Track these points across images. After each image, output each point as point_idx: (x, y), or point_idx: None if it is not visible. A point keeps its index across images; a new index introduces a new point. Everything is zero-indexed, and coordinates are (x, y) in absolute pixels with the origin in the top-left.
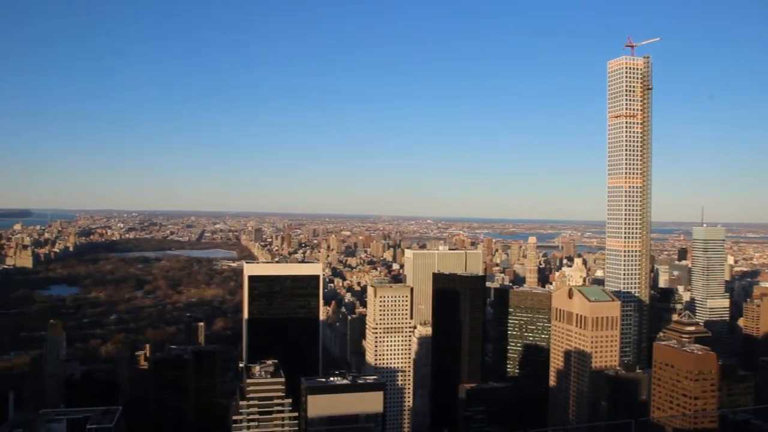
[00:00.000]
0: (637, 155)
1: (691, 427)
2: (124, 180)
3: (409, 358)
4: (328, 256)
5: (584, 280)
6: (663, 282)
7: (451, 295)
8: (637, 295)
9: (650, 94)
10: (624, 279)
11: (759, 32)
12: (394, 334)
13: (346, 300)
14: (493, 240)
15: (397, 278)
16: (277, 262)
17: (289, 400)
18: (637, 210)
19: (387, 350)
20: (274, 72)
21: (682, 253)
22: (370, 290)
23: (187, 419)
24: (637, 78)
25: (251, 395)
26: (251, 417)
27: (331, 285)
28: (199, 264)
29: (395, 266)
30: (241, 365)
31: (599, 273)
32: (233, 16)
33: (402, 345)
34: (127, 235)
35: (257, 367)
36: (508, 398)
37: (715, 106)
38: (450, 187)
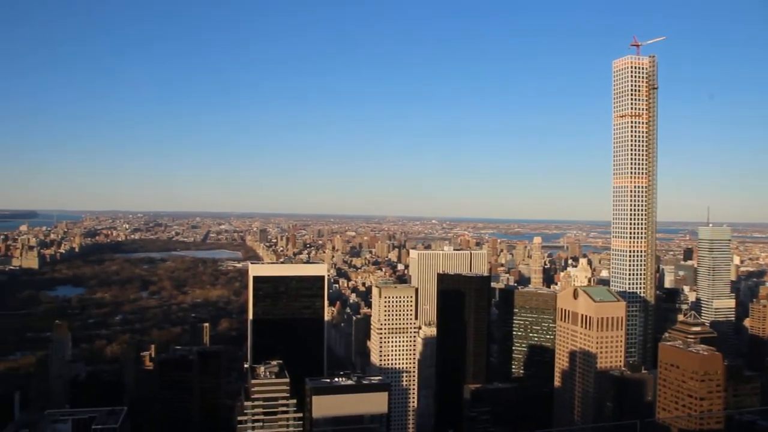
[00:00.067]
0: (643, 155)
1: (696, 428)
2: (129, 181)
3: (414, 358)
4: (333, 256)
5: (589, 281)
6: (668, 282)
7: (456, 296)
8: (642, 295)
9: (656, 94)
10: (629, 279)
11: (760, 32)
12: (399, 335)
13: (351, 300)
14: (498, 240)
15: (402, 279)
16: (282, 262)
17: (294, 401)
18: (642, 210)
19: (392, 351)
20: (275, 72)
21: (688, 253)
22: (375, 291)
23: (192, 420)
24: (643, 77)
25: (256, 396)
26: (256, 417)
27: (336, 285)
28: (204, 265)
29: (400, 267)
30: (246, 366)
31: (604, 273)
32: (234, 16)
33: (407, 345)
34: (132, 236)
35: (262, 368)
36: (513, 399)
37: (719, 106)
38: (455, 188)
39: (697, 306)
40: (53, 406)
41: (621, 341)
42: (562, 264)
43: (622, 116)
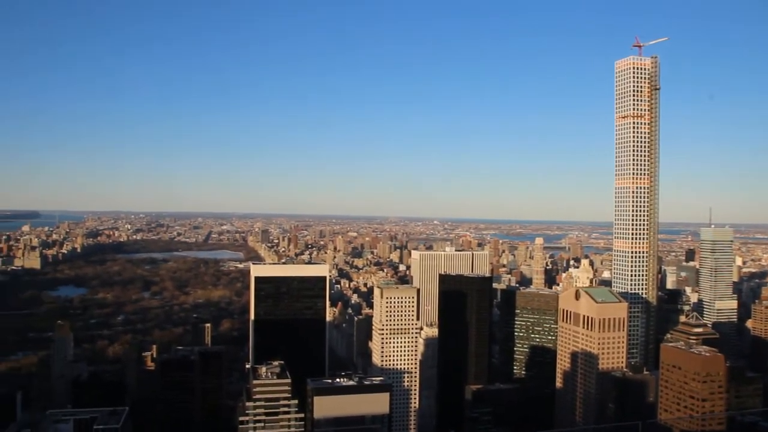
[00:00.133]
0: (645, 156)
1: (698, 429)
2: (131, 181)
3: (416, 359)
4: (334, 257)
5: (591, 282)
6: (670, 283)
7: (458, 297)
8: (644, 296)
9: (658, 95)
10: (631, 280)
11: (761, 32)
12: (401, 336)
13: (353, 301)
14: (500, 241)
15: (404, 279)
16: (283, 263)
17: (296, 401)
18: (644, 211)
19: (393, 351)
20: (276, 72)
21: (690, 254)
22: (376, 291)
23: (193, 420)
24: (645, 78)
25: (257, 396)
26: (257, 418)
27: (338, 286)
28: (206, 265)
29: (402, 267)
30: (247, 366)
31: (606, 274)
32: (235, 16)
33: (408, 346)
34: (134, 237)
35: (264, 368)
36: (515, 400)
37: (721, 107)
38: (456, 188)
39: (699, 307)
40: (55, 406)
41: (623, 342)
42: (564, 265)
43: (624, 117)
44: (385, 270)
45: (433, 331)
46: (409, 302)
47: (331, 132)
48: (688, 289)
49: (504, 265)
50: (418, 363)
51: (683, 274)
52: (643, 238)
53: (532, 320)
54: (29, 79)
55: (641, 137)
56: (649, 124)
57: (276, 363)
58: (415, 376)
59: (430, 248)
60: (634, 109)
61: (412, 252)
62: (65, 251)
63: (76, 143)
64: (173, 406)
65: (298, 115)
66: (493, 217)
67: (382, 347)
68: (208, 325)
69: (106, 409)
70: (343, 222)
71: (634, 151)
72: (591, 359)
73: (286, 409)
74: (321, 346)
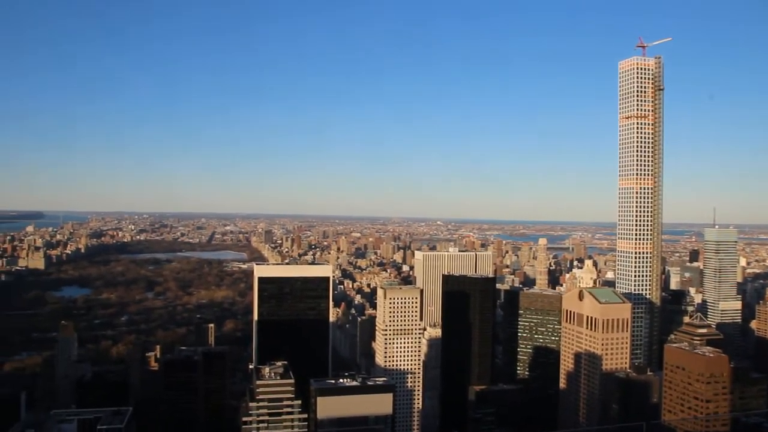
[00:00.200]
0: (649, 156)
1: (702, 430)
2: (134, 182)
3: (419, 359)
4: (338, 257)
5: (595, 282)
6: (674, 284)
7: (461, 297)
8: (648, 297)
9: (661, 95)
10: (635, 281)
11: (763, 31)
12: (404, 336)
13: (356, 302)
14: (503, 241)
15: (407, 280)
16: (287, 263)
17: (299, 402)
18: (648, 211)
19: (397, 352)
20: (280, 73)
21: (694, 255)
22: (379, 292)
23: (197, 420)
24: (649, 78)
25: (261, 397)
26: (261, 418)
27: (341, 287)
28: (210, 265)
29: (405, 268)
30: (251, 366)
31: (610, 275)
32: (236, 16)
33: (412, 347)
34: (138, 237)
35: (267, 369)
36: (518, 400)
37: (724, 107)
38: (459, 189)
39: (703, 308)
40: (59, 406)
41: (626, 343)
42: (568, 265)
43: (627, 117)
44: (389, 270)
45: (437, 332)
46: (412, 303)
47: (334, 132)
48: (692, 290)
49: (507, 266)
50: (421, 363)
51: (687, 274)
52: (647, 239)
53: (535, 321)
54: (32, 80)
55: (645, 138)
56: (652, 124)
57: (279, 363)
58: (419, 377)
59: (433, 249)
60: (637, 109)
61: (416, 252)
62: (69, 252)
63: (80, 144)
64: (177, 407)
65: (301, 115)
66: (497, 218)
67: (386, 348)
68: (212, 325)
69: (109, 410)
70: (347, 222)
71: (637, 151)
72: (594, 360)
73: (289, 409)
74: (324, 346)
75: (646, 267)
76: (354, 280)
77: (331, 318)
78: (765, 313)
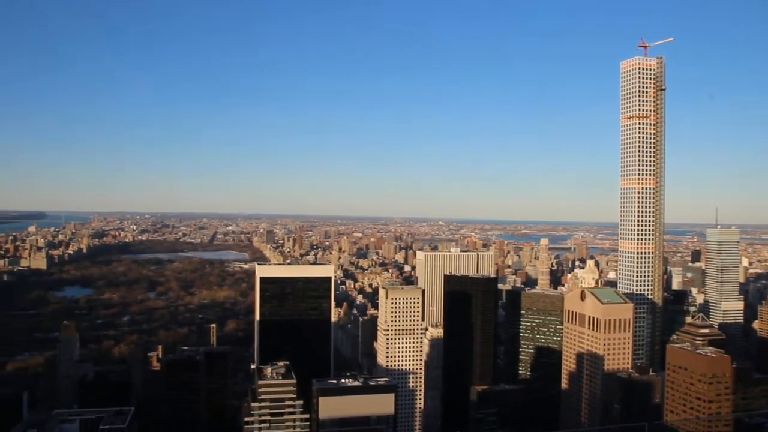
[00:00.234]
0: (650, 156)
1: (704, 430)
2: (136, 182)
3: (421, 360)
4: (339, 257)
5: (597, 282)
6: (676, 284)
7: (463, 297)
8: (650, 297)
9: (663, 95)
10: (637, 281)
11: (762, 31)
12: (406, 336)
13: (358, 302)
14: (505, 242)
15: (409, 280)
16: (288, 263)
17: (301, 402)
18: (650, 211)
19: (398, 352)
20: (280, 73)
21: (696, 255)
22: (381, 292)
23: (199, 420)
24: (650, 79)
25: (263, 397)
26: (263, 418)
27: (343, 287)
28: (212, 266)
29: (407, 268)
30: (252, 367)
31: (612, 275)
32: (236, 17)
33: (413, 347)
34: (139, 237)
35: (269, 369)
36: (520, 400)
37: (726, 107)
38: (461, 189)
39: (705, 308)
40: (61, 406)
41: (628, 343)
42: (570, 266)
43: (629, 117)
44: (390, 270)
45: (438, 332)
46: (414, 303)
47: (336, 132)
48: (694, 290)
49: (509, 266)
50: (423, 364)
51: (689, 274)
52: (649, 239)
53: (537, 321)
54: (33, 80)
55: (647, 138)
56: (654, 124)
57: (281, 363)
58: (420, 377)
59: (435, 249)
60: (639, 109)
61: (417, 253)
62: (71, 252)
63: (82, 144)
64: (179, 407)
65: (301, 115)
66: (498, 218)
67: (387, 348)
68: (214, 325)
69: (111, 409)
70: (348, 223)
71: (639, 151)
72: (596, 360)
73: (291, 409)
74: (326, 346)
75: (648, 267)
76: (356, 281)
77: (333, 318)
78: (767, 314)
